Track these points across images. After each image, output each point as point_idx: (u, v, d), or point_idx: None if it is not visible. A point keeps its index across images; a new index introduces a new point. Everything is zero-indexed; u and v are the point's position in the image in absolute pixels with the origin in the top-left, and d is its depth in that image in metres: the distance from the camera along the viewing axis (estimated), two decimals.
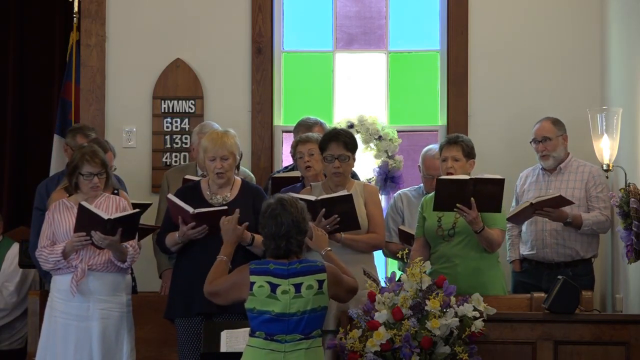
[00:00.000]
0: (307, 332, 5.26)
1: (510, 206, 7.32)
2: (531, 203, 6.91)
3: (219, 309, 5.88)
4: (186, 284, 6.09)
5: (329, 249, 5.72)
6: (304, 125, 7.45)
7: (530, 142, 7.35)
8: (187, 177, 7.01)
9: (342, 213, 6.16)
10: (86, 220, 6.04)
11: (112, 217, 6.04)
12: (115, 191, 6.53)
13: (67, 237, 6.15)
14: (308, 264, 5.34)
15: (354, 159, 6.44)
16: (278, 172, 7.51)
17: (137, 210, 6.27)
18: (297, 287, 5.26)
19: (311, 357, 5.25)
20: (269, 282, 5.25)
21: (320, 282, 5.29)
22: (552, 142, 7.27)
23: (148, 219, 7.06)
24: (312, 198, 6.18)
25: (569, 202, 6.96)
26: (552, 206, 6.92)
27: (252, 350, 5.26)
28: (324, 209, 6.14)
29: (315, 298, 5.27)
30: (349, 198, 6.18)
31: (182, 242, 6.14)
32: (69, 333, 6.14)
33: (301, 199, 6.13)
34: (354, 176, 7.21)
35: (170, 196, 6.14)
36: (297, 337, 5.24)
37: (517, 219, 7.03)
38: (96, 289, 6.16)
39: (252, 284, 5.26)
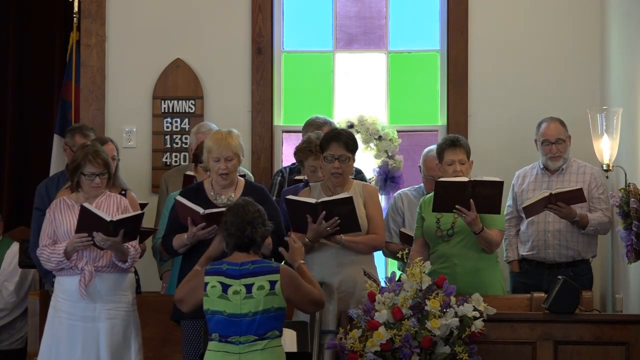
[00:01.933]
0: (261, 333, 5.24)
1: (506, 205, 7.30)
2: (551, 193, 6.89)
3: None
4: None
5: (302, 262, 5.60)
6: (313, 125, 7.41)
7: (540, 143, 7.30)
8: (188, 173, 7.01)
9: (342, 215, 6.15)
10: (88, 222, 6.03)
11: (114, 219, 6.03)
12: (123, 191, 6.53)
13: (68, 236, 6.14)
14: (261, 265, 5.32)
15: (354, 160, 6.42)
16: (285, 168, 7.45)
17: (139, 212, 6.27)
18: (248, 287, 5.25)
19: (266, 357, 5.23)
20: (220, 282, 5.26)
21: (273, 283, 5.27)
22: (565, 143, 7.28)
23: (147, 219, 7.02)
24: (312, 201, 6.17)
25: (584, 199, 6.97)
26: (568, 200, 6.91)
27: (209, 353, 5.29)
28: (324, 212, 6.13)
29: (267, 299, 5.25)
30: (349, 200, 6.17)
31: (190, 243, 6.13)
32: (75, 334, 6.13)
33: (302, 202, 6.14)
34: (359, 174, 7.22)
35: (180, 198, 6.13)
36: (251, 338, 5.23)
37: (531, 210, 6.98)
38: (102, 289, 6.15)
39: (206, 284, 5.28)
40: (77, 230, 6.06)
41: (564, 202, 6.91)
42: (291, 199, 6.20)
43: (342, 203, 6.16)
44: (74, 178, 6.23)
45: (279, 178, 7.35)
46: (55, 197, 6.48)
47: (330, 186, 6.38)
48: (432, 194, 6.49)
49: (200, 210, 6.00)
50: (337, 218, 6.15)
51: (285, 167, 7.49)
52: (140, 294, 7.11)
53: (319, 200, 6.17)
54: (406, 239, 7.03)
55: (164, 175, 7.66)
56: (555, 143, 7.27)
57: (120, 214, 6.17)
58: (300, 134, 7.55)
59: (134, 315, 6.27)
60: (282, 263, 5.76)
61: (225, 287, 5.25)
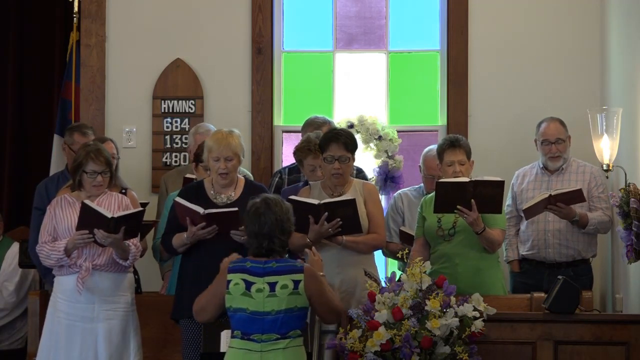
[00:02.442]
0: (284, 331, 5.24)
1: (505, 204, 7.29)
2: (550, 194, 6.89)
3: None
4: (192, 284, 6.08)
5: (322, 274, 5.57)
6: (313, 125, 7.41)
7: (539, 143, 7.31)
8: (188, 175, 7.01)
9: (344, 217, 6.15)
10: (89, 219, 6.04)
11: (115, 216, 6.03)
12: (124, 190, 6.53)
13: (68, 233, 6.14)
14: (286, 264, 5.31)
15: (353, 160, 6.42)
16: (284, 169, 7.45)
17: (140, 209, 6.27)
18: (272, 285, 5.24)
19: (289, 357, 5.23)
20: (244, 280, 5.25)
21: (296, 283, 5.26)
22: (565, 143, 7.28)
23: (147, 218, 7.04)
24: (316, 202, 6.16)
25: (584, 199, 6.97)
26: (568, 200, 6.91)
27: (231, 350, 5.28)
28: (326, 213, 6.13)
29: (290, 298, 5.24)
30: (352, 202, 6.17)
31: (190, 242, 6.13)
32: (74, 334, 6.13)
33: (304, 202, 6.14)
34: (360, 172, 7.22)
35: (178, 199, 6.13)
36: (274, 337, 5.22)
37: (531, 211, 6.98)
38: (101, 288, 6.15)
39: (229, 282, 5.27)
40: (78, 227, 6.07)
41: (563, 202, 6.91)
42: (294, 199, 6.20)
43: (345, 205, 6.16)
44: (76, 176, 6.23)
45: (277, 179, 7.35)
46: (56, 196, 6.48)
47: (331, 186, 6.39)
48: (433, 194, 6.49)
49: (200, 210, 6.00)
50: (339, 219, 6.15)
51: (284, 168, 7.48)
52: (141, 293, 7.11)
53: (322, 202, 6.17)
54: (406, 238, 7.03)
55: (164, 176, 7.66)
56: (555, 143, 7.27)
57: (121, 212, 6.17)
58: (300, 134, 7.54)
59: (132, 316, 6.27)
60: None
61: (248, 285, 5.24)
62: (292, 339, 5.26)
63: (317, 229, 6.14)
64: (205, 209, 6.03)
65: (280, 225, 5.30)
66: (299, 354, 5.30)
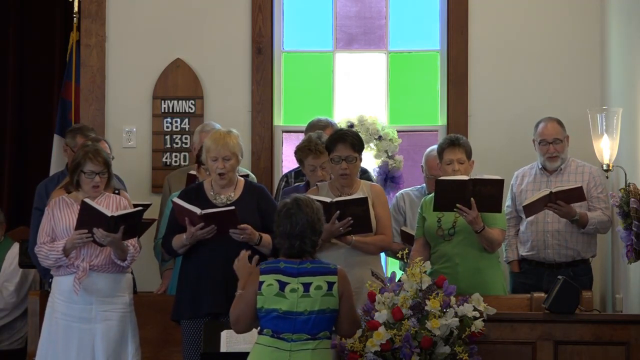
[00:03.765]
0: (315, 332, 5.23)
1: (505, 205, 7.30)
2: (551, 191, 6.89)
3: (225, 309, 5.85)
4: (193, 285, 6.08)
5: None
6: (316, 127, 7.40)
7: (537, 143, 7.31)
8: (192, 172, 7.00)
9: (355, 216, 6.16)
10: (88, 218, 6.04)
11: (115, 215, 6.03)
12: (117, 191, 6.53)
13: (66, 233, 6.14)
14: (320, 265, 5.31)
15: (360, 160, 6.43)
16: (290, 172, 7.45)
17: (139, 208, 6.27)
18: (306, 286, 5.24)
19: (317, 358, 5.23)
20: (278, 280, 5.24)
21: (330, 284, 5.26)
22: (562, 143, 7.27)
23: (148, 217, 7.05)
24: (328, 200, 6.17)
25: (584, 198, 6.97)
26: (569, 199, 6.90)
27: (259, 347, 5.25)
28: (338, 211, 6.13)
29: (323, 299, 5.24)
30: (364, 201, 6.17)
31: (189, 243, 6.13)
32: (71, 335, 6.13)
33: (317, 201, 6.14)
34: (365, 173, 7.22)
35: (176, 200, 6.13)
36: (304, 337, 5.22)
37: (531, 209, 6.98)
38: (98, 289, 6.15)
39: (261, 283, 5.25)
40: (77, 226, 6.07)
41: (564, 200, 6.91)
42: None
43: (357, 204, 6.16)
44: (74, 177, 6.24)
45: (283, 183, 7.35)
46: (50, 197, 6.49)
47: (338, 187, 6.39)
48: (432, 194, 6.49)
49: (198, 210, 6.00)
50: (350, 218, 6.15)
51: (290, 172, 7.48)
52: (136, 293, 7.11)
53: (334, 200, 6.17)
54: (407, 238, 7.03)
55: (168, 176, 7.66)
56: (552, 143, 7.27)
57: (121, 211, 6.17)
58: (300, 134, 7.54)
59: (131, 317, 6.27)
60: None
61: (282, 285, 5.23)
62: (321, 340, 5.25)
63: (328, 228, 6.13)
64: (203, 209, 6.03)
65: (311, 225, 5.29)
66: (327, 356, 5.30)
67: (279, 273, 5.26)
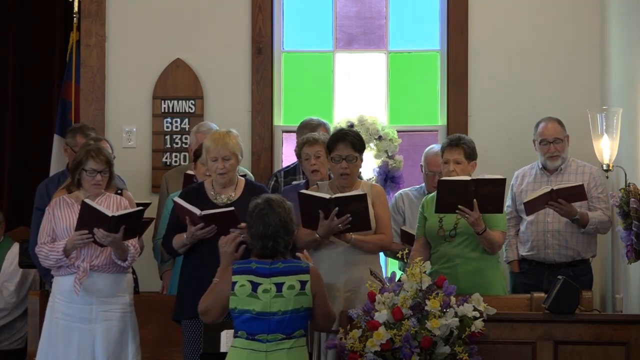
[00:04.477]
0: (289, 332, 5.25)
1: (505, 205, 7.29)
2: (552, 189, 6.89)
3: None
4: (194, 285, 6.07)
5: None
6: (308, 127, 7.43)
7: (538, 143, 7.30)
8: (188, 172, 7.01)
9: (354, 213, 6.15)
10: (89, 218, 6.03)
11: (116, 215, 6.03)
12: (119, 191, 6.53)
13: (67, 233, 6.14)
14: (292, 264, 5.32)
15: (361, 160, 6.43)
16: (279, 172, 7.48)
17: (139, 207, 6.27)
18: (279, 286, 5.25)
19: (293, 357, 5.24)
20: (250, 281, 5.26)
21: (303, 283, 5.28)
22: (563, 142, 7.27)
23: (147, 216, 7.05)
24: (327, 196, 6.17)
25: (585, 197, 6.96)
26: (570, 197, 6.90)
27: (235, 350, 5.28)
28: (337, 208, 6.13)
29: (296, 298, 5.25)
30: (363, 198, 6.17)
31: (190, 243, 6.13)
32: (71, 335, 6.13)
33: (316, 197, 6.15)
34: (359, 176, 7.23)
35: (177, 199, 6.13)
36: (279, 337, 5.23)
37: (532, 206, 6.97)
38: (99, 289, 6.15)
39: (234, 283, 5.26)
40: (78, 227, 6.06)
41: (565, 198, 6.90)
42: (305, 194, 6.21)
43: (356, 200, 6.16)
44: (75, 175, 6.24)
45: (273, 182, 7.36)
46: (53, 197, 6.48)
47: (339, 186, 6.39)
48: (434, 193, 6.49)
49: (197, 211, 6.00)
50: (349, 215, 6.15)
51: (279, 171, 7.50)
52: (139, 294, 7.11)
53: (333, 196, 6.17)
54: (407, 237, 7.03)
55: (165, 175, 7.66)
56: (552, 142, 7.27)
57: (121, 210, 6.17)
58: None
59: (131, 317, 6.27)
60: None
61: (255, 286, 5.25)
62: (296, 339, 5.27)
63: (327, 224, 6.14)
64: (205, 209, 6.03)
65: (284, 225, 5.31)
66: (303, 354, 5.31)
67: (251, 274, 5.27)
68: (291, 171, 7.32)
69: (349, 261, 6.28)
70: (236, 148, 6.20)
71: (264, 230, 5.28)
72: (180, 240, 6.15)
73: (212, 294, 5.40)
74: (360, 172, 7.15)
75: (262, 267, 5.27)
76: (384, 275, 6.34)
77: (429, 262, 6.12)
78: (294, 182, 7.13)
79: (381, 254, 6.77)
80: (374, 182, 7.94)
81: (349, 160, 6.33)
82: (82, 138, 7.13)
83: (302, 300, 5.27)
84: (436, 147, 7.27)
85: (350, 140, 6.33)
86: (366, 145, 8.13)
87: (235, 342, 5.28)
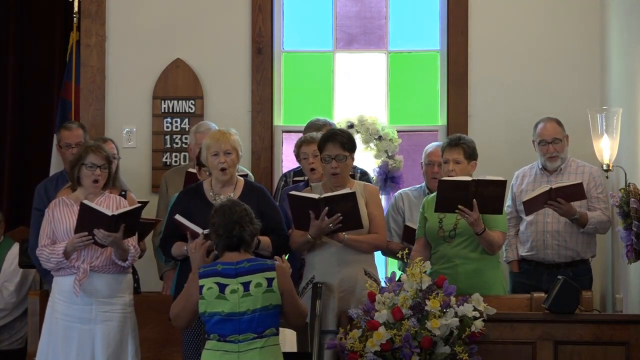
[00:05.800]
0: (260, 330, 5.26)
1: (505, 205, 7.29)
2: (551, 187, 6.88)
3: None
4: None
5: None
6: (313, 127, 7.43)
7: (537, 143, 7.30)
8: (190, 170, 7.00)
9: (345, 212, 6.16)
10: (88, 219, 6.03)
11: (115, 214, 6.03)
12: (123, 192, 6.53)
13: (67, 235, 6.13)
14: (257, 262, 5.33)
15: (352, 159, 6.43)
16: (289, 172, 7.46)
17: (138, 205, 6.27)
18: (246, 285, 5.26)
19: (266, 356, 5.25)
20: (217, 283, 5.26)
21: (270, 280, 5.28)
22: (562, 143, 7.27)
23: (147, 216, 7.04)
24: (315, 196, 6.18)
25: (584, 196, 6.96)
26: (569, 196, 6.90)
27: (208, 352, 5.28)
28: (327, 207, 6.13)
29: (265, 296, 5.26)
30: (352, 196, 6.17)
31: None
32: (71, 335, 6.12)
33: (305, 197, 6.15)
34: (364, 175, 7.23)
35: (178, 217, 6.07)
36: (251, 336, 5.24)
37: (531, 205, 6.97)
38: (98, 289, 6.15)
39: (201, 287, 5.27)
40: (77, 229, 6.06)
41: (564, 197, 6.90)
42: (294, 195, 6.21)
43: (345, 199, 6.16)
44: (74, 172, 6.23)
45: (282, 183, 7.36)
46: (55, 197, 6.48)
47: (331, 186, 6.39)
48: (434, 194, 6.50)
49: (199, 230, 5.92)
50: (339, 214, 6.15)
51: (289, 171, 7.49)
52: (140, 294, 7.11)
53: (322, 196, 6.18)
54: (409, 233, 6.98)
55: (164, 175, 7.66)
56: (552, 143, 7.27)
57: (121, 209, 6.16)
58: (300, 134, 7.55)
59: (131, 317, 6.26)
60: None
61: (222, 287, 5.25)
62: (268, 338, 5.28)
63: (318, 224, 6.14)
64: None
65: (248, 214, 5.35)
66: (276, 353, 5.32)
67: (217, 275, 5.28)
68: (300, 172, 7.31)
69: (342, 261, 6.28)
70: (236, 144, 6.22)
71: (229, 218, 5.30)
72: (180, 250, 6.11)
73: (181, 300, 5.41)
74: (358, 173, 7.17)
75: (228, 268, 5.28)
76: (383, 275, 6.34)
77: (429, 262, 6.13)
78: (295, 179, 7.16)
79: (377, 255, 6.76)
80: (374, 182, 7.97)
81: (338, 159, 6.33)
82: (64, 132, 7.15)
83: (271, 298, 5.27)
84: (437, 143, 7.28)
85: (339, 140, 6.34)
86: (366, 145, 8.19)
87: (208, 345, 5.30)
